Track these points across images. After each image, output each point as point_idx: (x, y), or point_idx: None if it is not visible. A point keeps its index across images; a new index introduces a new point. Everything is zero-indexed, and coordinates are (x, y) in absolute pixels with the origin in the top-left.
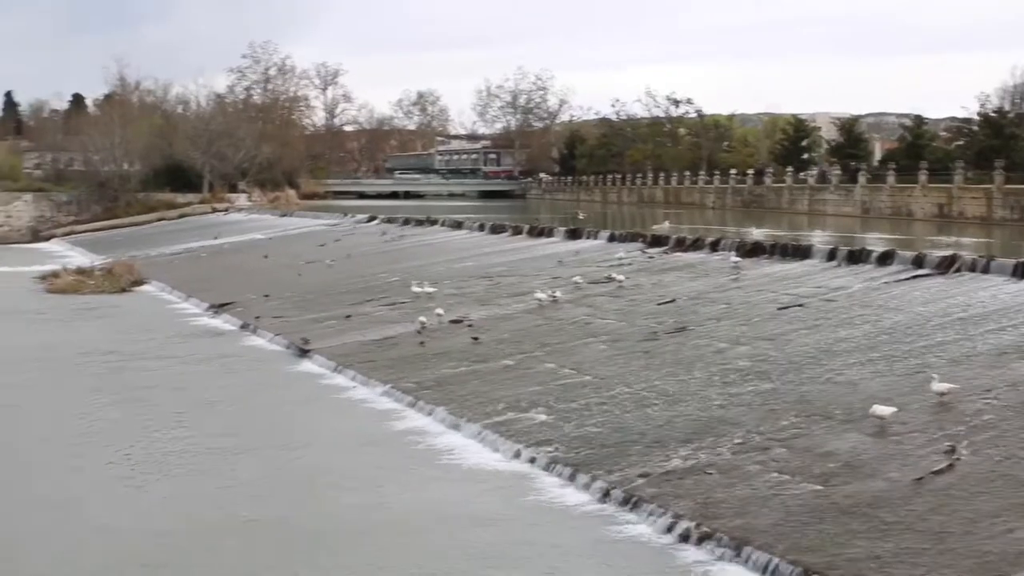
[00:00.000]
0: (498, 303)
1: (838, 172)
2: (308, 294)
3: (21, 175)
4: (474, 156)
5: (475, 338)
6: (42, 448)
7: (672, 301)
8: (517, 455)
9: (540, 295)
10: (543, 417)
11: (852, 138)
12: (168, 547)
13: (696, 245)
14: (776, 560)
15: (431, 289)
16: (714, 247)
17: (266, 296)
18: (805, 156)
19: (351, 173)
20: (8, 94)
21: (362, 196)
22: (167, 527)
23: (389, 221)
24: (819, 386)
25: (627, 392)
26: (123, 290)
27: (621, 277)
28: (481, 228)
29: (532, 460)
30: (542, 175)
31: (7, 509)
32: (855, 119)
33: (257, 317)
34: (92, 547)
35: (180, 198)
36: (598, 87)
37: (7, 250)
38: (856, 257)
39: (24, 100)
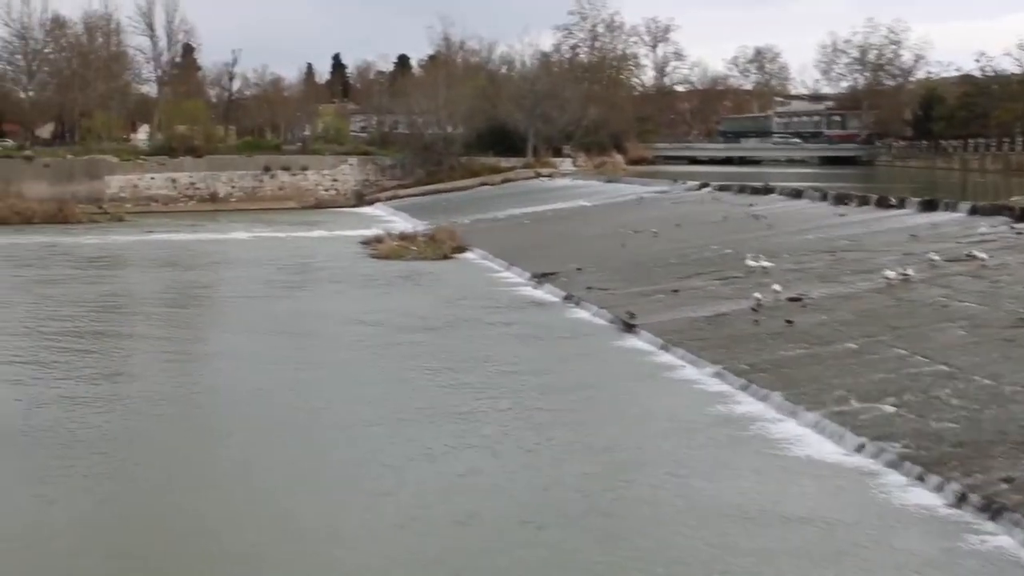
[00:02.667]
0: (841, 280)
1: None
2: (634, 265)
3: (348, 138)
4: (816, 118)
5: (789, 321)
6: (361, 417)
7: None
8: (860, 448)
9: (889, 273)
10: (890, 408)
11: None
12: (467, 536)
13: None
14: None
15: (767, 263)
16: None
17: (589, 267)
18: None
19: (681, 136)
20: (336, 56)
21: (693, 161)
22: (471, 509)
23: (722, 189)
24: None
25: (989, 385)
26: (445, 257)
27: (984, 255)
28: (823, 197)
29: (876, 455)
30: (892, 139)
31: (310, 485)
32: None
33: (589, 288)
34: (398, 526)
35: (503, 162)
36: (960, 40)
37: (334, 214)
38: None
39: (351, 62)
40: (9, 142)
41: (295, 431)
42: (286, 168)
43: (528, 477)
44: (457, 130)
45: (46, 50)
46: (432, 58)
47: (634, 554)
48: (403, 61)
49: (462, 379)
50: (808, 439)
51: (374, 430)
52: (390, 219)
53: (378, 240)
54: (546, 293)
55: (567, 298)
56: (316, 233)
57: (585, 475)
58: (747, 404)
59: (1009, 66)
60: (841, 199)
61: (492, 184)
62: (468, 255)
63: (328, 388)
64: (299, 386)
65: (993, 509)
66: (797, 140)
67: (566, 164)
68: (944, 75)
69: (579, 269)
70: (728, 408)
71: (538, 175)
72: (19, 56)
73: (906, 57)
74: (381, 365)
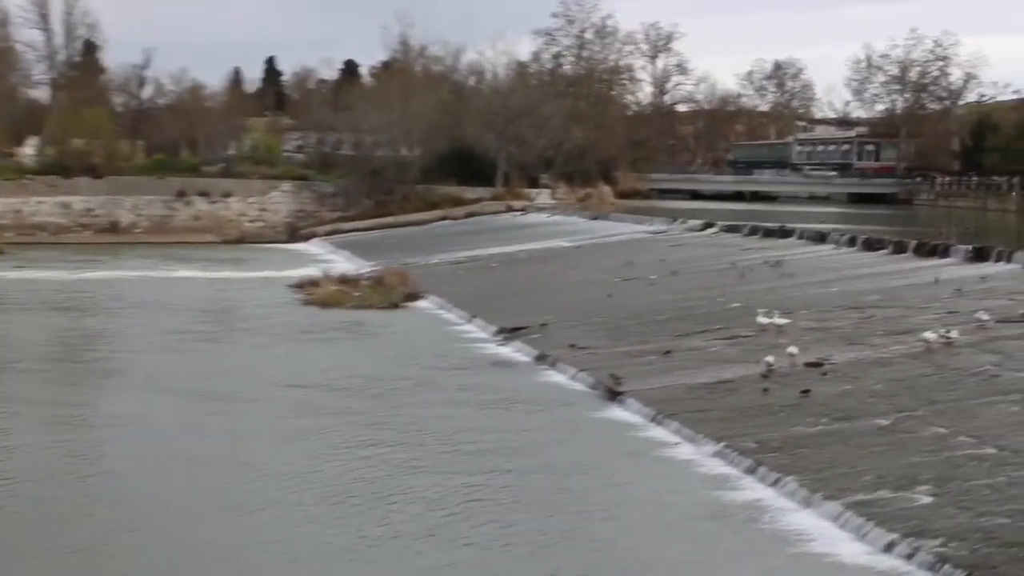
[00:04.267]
0: (871, 342)
1: None
2: (621, 319)
3: (281, 160)
4: (845, 147)
5: (805, 391)
6: (264, 512)
7: None
8: (890, 547)
9: (929, 335)
10: (927, 499)
11: None
12: None
13: None
14: None
15: (782, 321)
16: None
17: (568, 320)
18: None
19: (683, 166)
20: (269, 61)
21: (696, 196)
22: None
23: (730, 230)
24: None
25: None
26: (394, 305)
27: None
28: (851, 243)
29: (910, 555)
30: (935, 174)
31: None
32: None
33: (567, 346)
34: None
35: (468, 193)
36: (1020, 56)
37: (261, 250)
38: None
39: (287, 68)
40: None
41: (184, 538)
42: (204, 194)
43: None
44: (413, 152)
45: None
46: (386, 65)
47: None
48: (350, 68)
49: (404, 458)
50: (827, 534)
51: (277, 519)
52: (329, 258)
53: (314, 283)
54: (515, 351)
55: (540, 358)
56: (239, 273)
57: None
58: (754, 490)
59: None
60: (873, 245)
61: (454, 218)
62: (422, 304)
63: (234, 477)
64: (198, 472)
65: None
66: (832, 173)
67: (543, 196)
68: (1000, 98)
69: (555, 323)
70: (731, 495)
71: (509, 209)
72: None
73: (955, 76)
74: (306, 443)
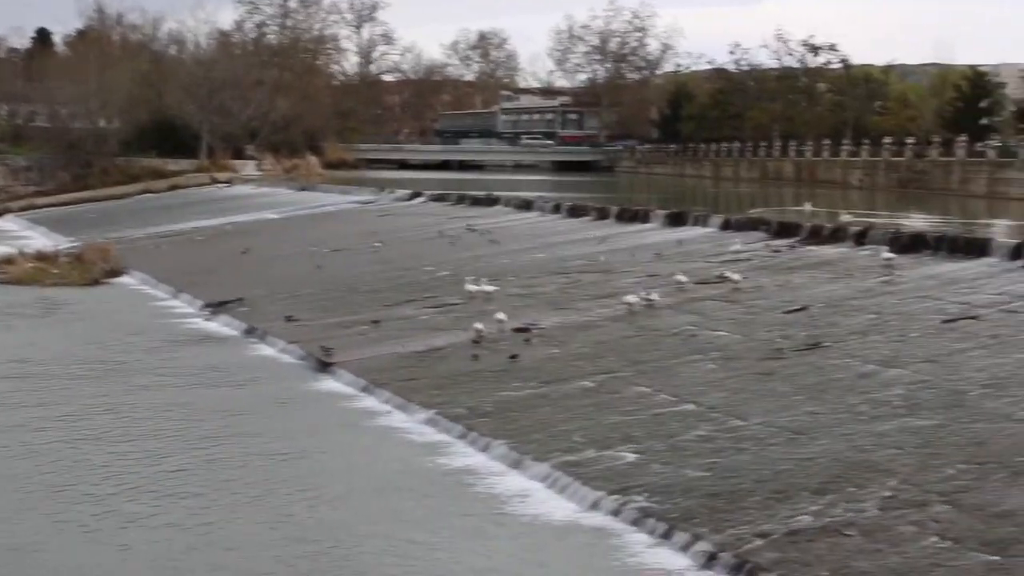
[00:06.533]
0: (576, 307)
1: None
2: (331, 291)
3: None
4: (549, 116)
5: (513, 356)
6: None
7: (803, 309)
8: (597, 504)
9: (631, 298)
10: (631, 456)
11: None
12: None
13: (836, 236)
14: None
15: (490, 288)
16: (860, 239)
17: (278, 293)
18: (984, 121)
19: (390, 136)
20: None
21: (404, 165)
22: None
23: (438, 199)
24: (997, 424)
25: (741, 426)
26: (95, 282)
27: (737, 276)
28: (556, 210)
29: (616, 511)
30: (636, 142)
31: None
32: None
33: (276, 319)
34: None
35: (171, 165)
36: (713, 28)
37: None
38: None
39: None
40: None
41: None
42: None
43: (196, 564)
44: (112, 124)
45: None
46: (81, 34)
47: None
48: (43, 36)
49: (106, 438)
50: (538, 494)
51: None
52: (24, 234)
53: (8, 261)
54: (222, 326)
55: (249, 331)
56: None
57: (258, 554)
58: (466, 456)
59: (766, 59)
60: (577, 212)
61: (156, 191)
62: (125, 279)
63: None
64: None
65: (747, 570)
66: (548, 142)
67: (249, 168)
68: (695, 68)
69: (264, 296)
70: (443, 461)
71: (214, 181)
72: None
73: (652, 47)
74: None
